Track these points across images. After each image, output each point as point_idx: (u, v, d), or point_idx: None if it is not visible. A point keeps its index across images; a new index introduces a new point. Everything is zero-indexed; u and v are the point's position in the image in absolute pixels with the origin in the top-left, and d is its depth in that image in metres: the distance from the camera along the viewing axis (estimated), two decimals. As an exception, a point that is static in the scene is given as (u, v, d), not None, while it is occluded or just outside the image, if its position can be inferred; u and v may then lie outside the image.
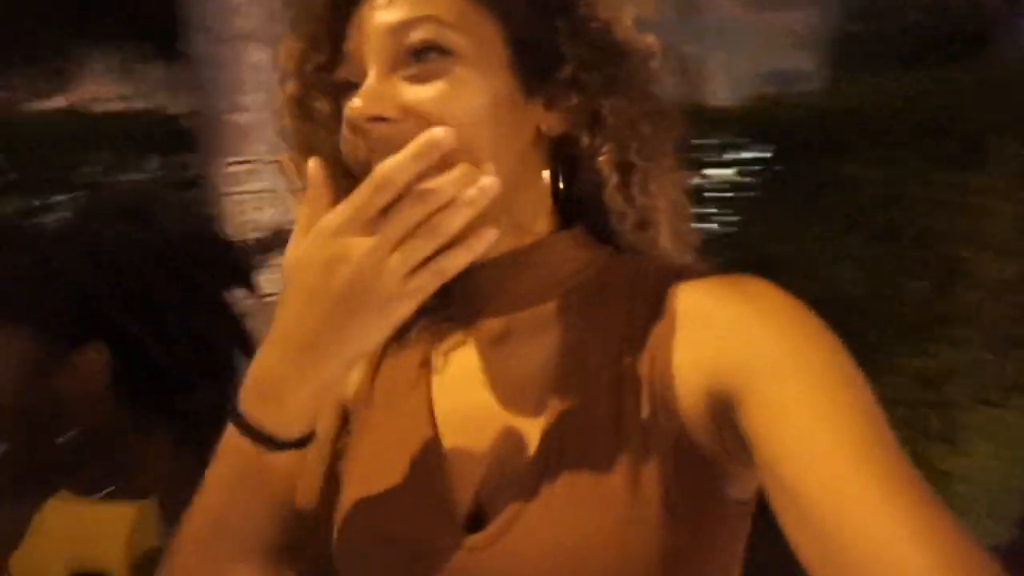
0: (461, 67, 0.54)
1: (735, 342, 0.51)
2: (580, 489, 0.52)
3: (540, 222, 0.60)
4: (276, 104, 0.63)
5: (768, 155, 3.19)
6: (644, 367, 0.54)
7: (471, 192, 0.47)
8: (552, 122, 0.59)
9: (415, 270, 0.47)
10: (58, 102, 4.15)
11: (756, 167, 3.23)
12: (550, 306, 0.59)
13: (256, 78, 2.10)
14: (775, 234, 2.96)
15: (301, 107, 0.61)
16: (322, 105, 0.60)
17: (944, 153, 2.75)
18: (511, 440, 0.56)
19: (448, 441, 0.59)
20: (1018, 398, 2.79)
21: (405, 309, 0.48)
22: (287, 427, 0.53)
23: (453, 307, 0.63)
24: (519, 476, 0.54)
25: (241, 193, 2.09)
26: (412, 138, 0.49)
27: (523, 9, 0.57)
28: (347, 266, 0.47)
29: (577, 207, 0.63)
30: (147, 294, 0.88)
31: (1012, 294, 2.73)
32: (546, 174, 0.61)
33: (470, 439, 0.58)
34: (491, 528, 0.54)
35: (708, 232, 3.48)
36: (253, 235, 2.05)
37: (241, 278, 0.99)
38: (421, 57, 0.54)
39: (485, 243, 0.49)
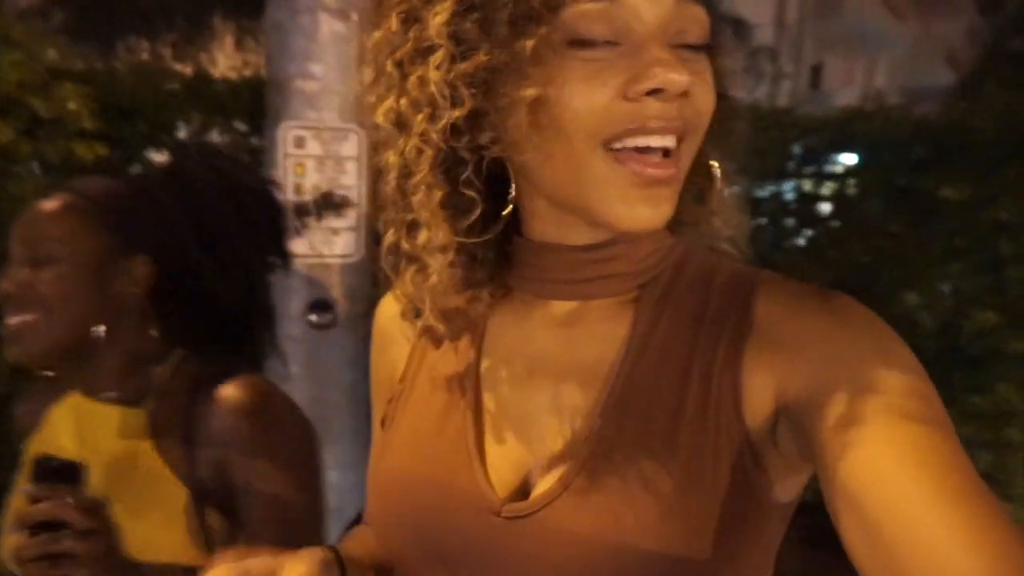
0: (708, 63, 0.54)
1: (812, 351, 0.50)
2: (630, 478, 0.52)
3: None
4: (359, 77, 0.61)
5: (849, 167, 3.00)
6: (714, 368, 0.53)
7: None
8: None
9: None
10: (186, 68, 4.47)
11: (834, 180, 3.05)
12: (625, 296, 0.58)
13: (327, 48, 2.19)
14: (846, 250, 2.79)
15: (491, 78, 0.51)
16: (531, 72, 0.51)
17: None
18: (566, 419, 0.56)
19: (494, 411, 0.59)
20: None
21: None
22: None
23: (514, 279, 0.62)
24: (569, 454, 0.54)
25: (300, 156, 2.18)
26: (688, 119, 0.52)
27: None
28: None
29: None
30: (215, 229, 1.02)
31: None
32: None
33: (521, 413, 0.58)
34: (532, 500, 0.54)
35: (794, 245, 3.33)
36: (301, 197, 2.14)
37: (282, 243, 1.11)
38: (693, 49, 0.53)
39: None
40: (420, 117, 0.53)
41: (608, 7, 0.49)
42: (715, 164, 0.59)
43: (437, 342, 0.64)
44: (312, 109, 2.20)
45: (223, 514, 0.94)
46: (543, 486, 0.54)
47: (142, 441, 0.94)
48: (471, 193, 0.55)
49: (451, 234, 0.56)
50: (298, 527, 0.95)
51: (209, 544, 0.92)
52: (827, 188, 3.17)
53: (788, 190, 3.32)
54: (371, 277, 2.42)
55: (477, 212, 0.55)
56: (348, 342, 2.28)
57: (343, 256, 2.25)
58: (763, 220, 3.27)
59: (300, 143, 2.21)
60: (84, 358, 0.96)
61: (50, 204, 0.96)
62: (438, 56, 0.51)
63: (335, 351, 2.25)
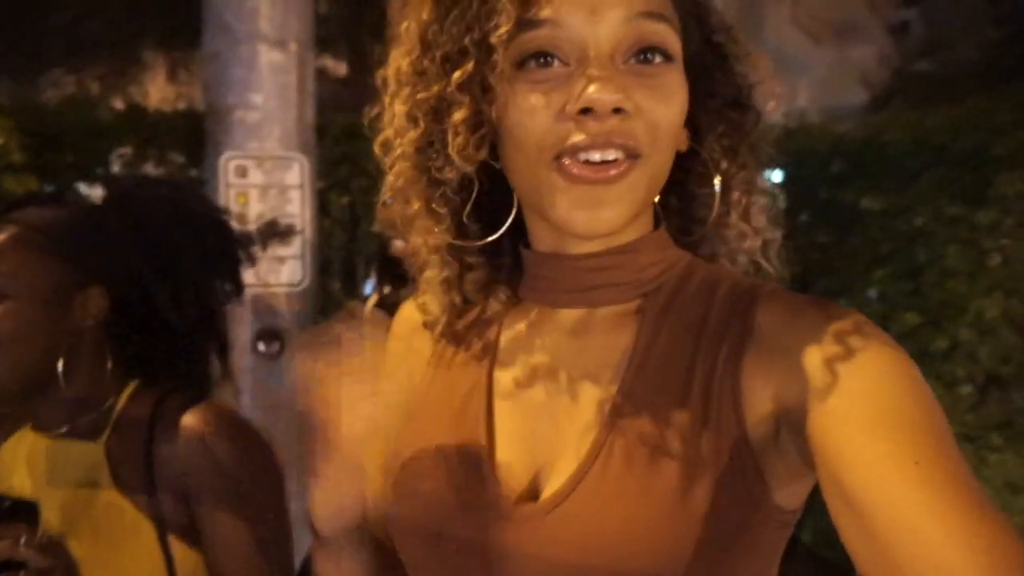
0: (677, 75, 0.55)
1: (810, 358, 0.50)
2: (634, 479, 0.53)
3: (643, 222, 0.61)
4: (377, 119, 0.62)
5: (778, 181, 3.15)
6: (715, 375, 0.54)
7: None
8: (684, 139, 0.61)
9: None
10: (117, 100, 4.38)
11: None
12: (631, 305, 0.60)
13: (267, 77, 2.19)
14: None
15: (437, 108, 0.57)
16: (465, 101, 0.55)
17: (956, 188, 2.67)
18: (573, 423, 0.57)
19: (505, 417, 0.61)
20: (996, 437, 2.68)
21: None
22: None
23: (525, 290, 0.64)
24: (575, 458, 0.55)
25: (242, 186, 2.17)
26: (638, 138, 0.52)
27: (696, 34, 0.58)
28: None
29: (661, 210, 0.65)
30: (169, 256, 1.01)
31: (998, 334, 2.62)
32: None
33: (530, 418, 0.60)
34: (541, 502, 0.55)
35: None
36: (245, 227, 2.13)
37: (235, 271, 1.11)
38: (647, 56, 0.53)
39: None
40: (398, 141, 0.60)
41: (551, 31, 0.52)
42: (716, 179, 0.61)
43: (455, 342, 0.67)
44: (253, 139, 2.20)
45: (187, 543, 0.93)
46: (551, 489, 0.55)
47: (100, 475, 0.92)
48: (441, 210, 0.61)
49: (448, 236, 0.62)
50: (265, 553, 0.95)
51: (174, 574, 0.92)
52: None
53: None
54: (318, 304, 2.41)
55: (448, 223, 0.62)
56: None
57: (289, 285, 2.24)
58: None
59: (242, 173, 2.20)
60: (38, 393, 0.94)
61: None
62: (405, 92, 0.58)
63: (284, 379, 2.23)
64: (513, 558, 0.55)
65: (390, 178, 0.62)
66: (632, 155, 0.53)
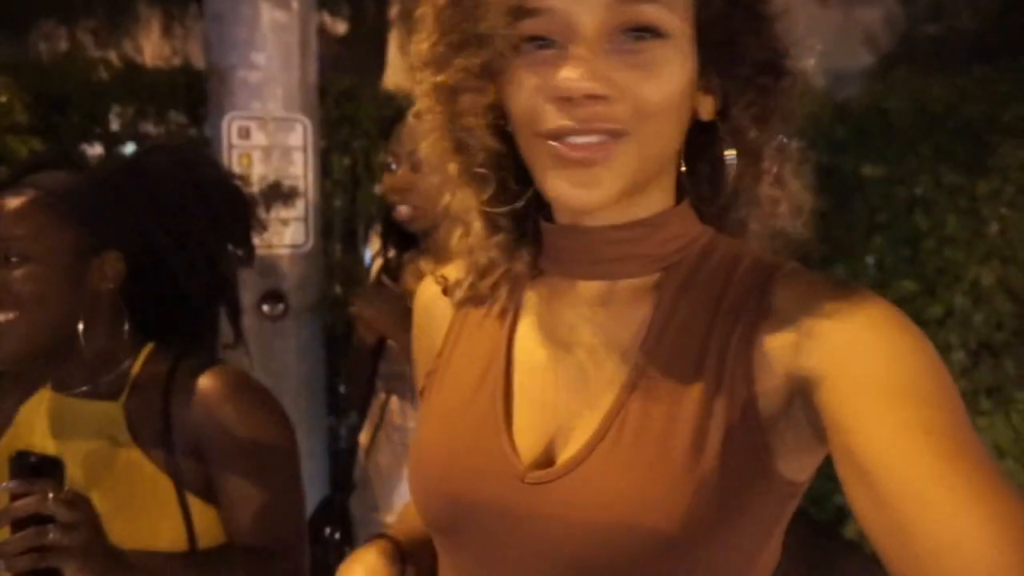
0: (671, 52, 0.55)
1: (825, 335, 0.51)
2: (645, 447, 0.54)
3: (662, 196, 0.61)
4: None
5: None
6: (729, 350, 0.56)
7: None
8: (708, 108, 0.60)
9: None
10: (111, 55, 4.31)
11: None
12: (650, 279, 0.61)
13: (269, 37, 2.17)
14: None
15: (454, 89, 0.60)
16: (474, 85, 0.59)
17: (957, 157, 2.67)
18: (590, 392, 0.59)
19: (524, 385, 0.63)
20: (986, 401, 2.73)
21: None
22: None
23: (545, 262, 0.66)
24: (591, 426, 0.57)
25: (245, 147, 2.16)
26: (620, 120, 0.53)
27: (720, 4, 0.57)
28: None
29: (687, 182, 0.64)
30: (183, 222, 1.02)
31: (993, 301, 2.65)
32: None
33: (549, 386, 0.61)
34: (555, 467, 0.57)
35: None
36: (248, 188, 2.13)
37: (247, 236, 1.13)
38: (638, 36, 0.53)
39: None
40: (427, 116, 0.63)
41: (544, 18, 0.54)
42: (729, 152, 0.60)
43: (477, 303, 0.69)
44: (256, 99, 2.19)
45: (204, 500, 0.96)
46: (566, 454, 0.57)
47: (120, 434, 0.95)
48: (475, 176, 0.63)
49: (475, 202, 0.65)
50: (278, 511, 0.98)
51: (192, 530, 0.95)
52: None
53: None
54: (322, 266, 2.42)
55: (491, 188, 0.63)
56: (301, 332, 2.28)
57: (293, 246, 2.25)
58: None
59: (245, 134, 2.20)
60: (58, 355, 0.96)
61: (16, 201, 0.94)
62: (426, 74, 0.61)
63: (288, 341, 2.26)
64: (528, 521, 0.57)
65: (424, 147, 0.65)
66: (615, 135, 0.54)
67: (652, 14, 0.53)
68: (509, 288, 0.67)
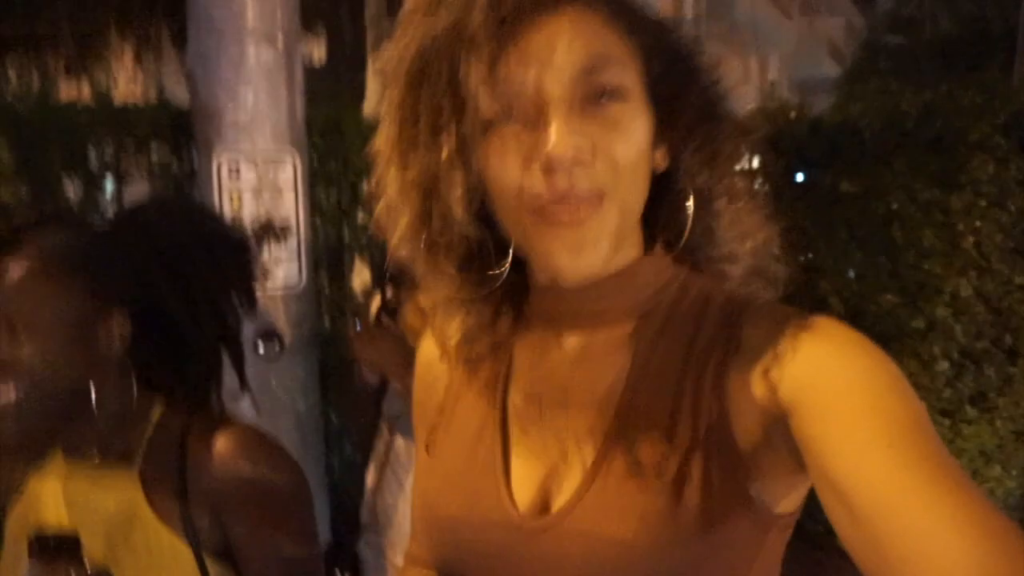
0: (632, 111, 0.57)
1: (792, 361, 0.54)
2: (629, 492, 0.57)
3: (632, 248, 0.64)
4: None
5: (754, 167, 3.21)
6: (703, 392, 0.58)
7: None
8: (660, 160, 0.63)
9: None
10: (81, 88, 4.26)
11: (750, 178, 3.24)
12: (627, 327, 0.63)
13: (256, 75, 2.17)
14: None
15: (429, 183, 0.59)
16: (447, 175, 0.58)
17: (930, 171, 2.74)
18: (575, 441, 0.62)
19: (518, 436, 0.65)
20: (971, 410, 2.80)
21: None
22: None
23: (536, 317, 0.68)
24: (578, 475, 0.60)
25: (235, 187, 2.15)
26: (602, 181, 0.55)
27: (657, 55, 0.60)
28: None
29: (655, 229, 0.66)
30: (187, 277, 1.01)
31: (972, 311, 2.73)
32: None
33: (540, 438, 0.64)
34: (552, 514, 0.59)
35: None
36: (245, 229, 2.12)
37: (251, 287, 1.12)
38: (601, 99, 0.56)
39: None
40: (394, 215, 0.63)
41: (511, 96, 0.55)
42: (690, 200, 0.63)
43: (466, 374, 0.72)
44: (245, 138, 2.18)
45: (221, 561, 0.96)
46: (559, 502, 0.60)
47: (137, 502, 0.94)
48: (445, 269, 0.64)
49: (453, 288, 0.66)
50: (296, 563, 0.98)
51: (213, 594, 0.94)
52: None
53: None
54: (314, 302, 2.41)
55: (450, 277, 0.65)
56: (297, 371, 2.27)
57: (286, 288, 2.24)
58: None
59: (235, 174, 2.19)
60: (69, 420, 0.95)
61: (19, 270, 0.91)
62: (392, 171, 0.61)
63: (285, 380, 2.24)
64: (528, 567, 0.60)
65: (395, 244, 0.65)
66: (599, 196, 0.56)
67: (614, 79, 0.56)
68: (498, 348, 0.70)
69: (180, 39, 5.51)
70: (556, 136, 0.54)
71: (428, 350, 0.78)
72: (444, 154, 0.57)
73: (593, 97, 0.56)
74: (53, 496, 0.98)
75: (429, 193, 0.59)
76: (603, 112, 0.56)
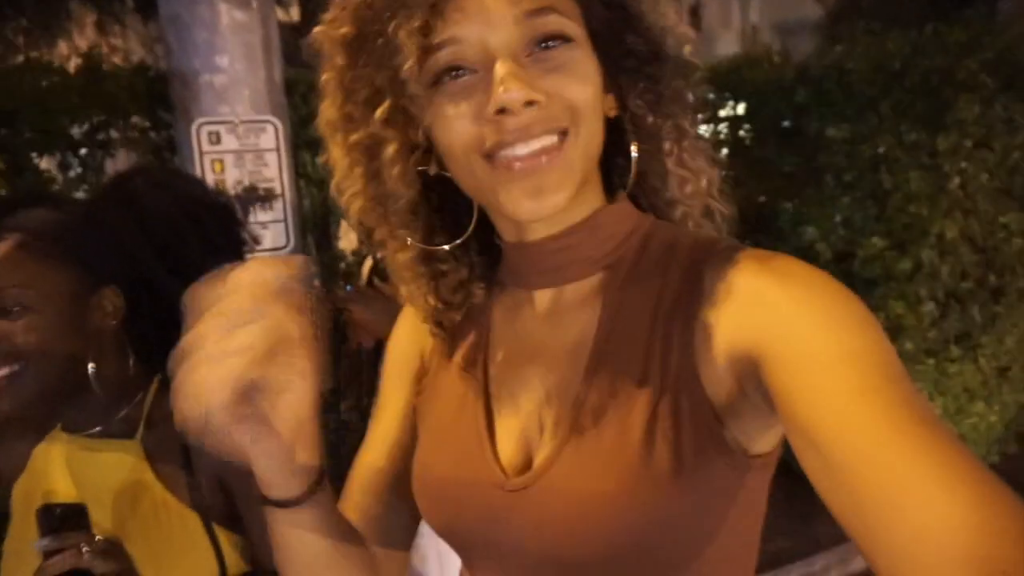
0: (580, 53, 0.58)
1: (757, 307, 0.53)
2: (604, 444, 0.57)
3: (593, 197, 0.64)
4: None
5: (739, 113, 3.18)
6: (672, 340, 0.58)
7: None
8: (609, 107, 0.64)
9: None
10: (44, 55, 4.13)
11: (730, 125, 3.23)
12: (594, 280, 0.64)
13: (230, 39, 2.11)
14: (745, 191, 2.98)
15: (370, 146, 0.62)
16: (393, 135, 0.61)
17: (916, 113, 2.74)
18: (552, 398, 0.63)
19: (502, 398, 0.66)
20: (956, 349, 2.85)
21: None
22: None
23: (503, 274, 0.70)
24: (559, 427, 0.60)
25: (216, 153, 2.12)
26: (561, 119, 0.56)
27: (598, 5, 0.61)
28: None
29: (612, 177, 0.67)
30: (176, 248, 1.01)
31: (958, 252, 2.76)
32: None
33: (521, 397, 0.65)
34: (530, 473, 0.60)
35: None
36: (228, 194, 2.09)
37: (240, 255, 1.12)
38: (547, 45, 0.57)
39: None
40: (346, 183, 0.65)
41: (453, 49, 0.56)
42: (634, 146, 0.65)
43: (447, 339, 0.72)
44: (223, 103, 2.14)
45: (229, 529, 0.97)
46: (540, 457, 0.61)
47: (143, 473, 0.95)
48: (403, 230, 0.66)
49: (412, 254, 0.67)
50: None
51: (223, 561, 0.96)
52: (721, 134, 3.36)
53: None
54: (304, 267, 2.39)
55: (413, 239, 0.67)
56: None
57: (274, 249, 2.22)
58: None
59: (215, 139, 2.15)
60: (68, 397, 0.95)
61: (5, 249, 0.91)
62: (338, 137, 0.63)
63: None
64: (512, 524, 0.61)
65: (352, 215, 0.67)
66: (561, 133, 0.57)
67: (557, 23, 0.57)
68: (476, 313, 0.71)
69: (143, 4, 5.35)
70: (505, 79, 0.54)
71: (408, 320, 0.78)
72: (382, 114, 0.59)
73: (538, 43, 0.57)
74: (58, 469, 0.99)
75: (373, 154, 0.61)
76: (552, 56, 0.57)
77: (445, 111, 0.57)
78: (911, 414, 0.45)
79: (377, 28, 0.57)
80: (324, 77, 0.62)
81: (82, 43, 5.63)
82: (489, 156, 0.57)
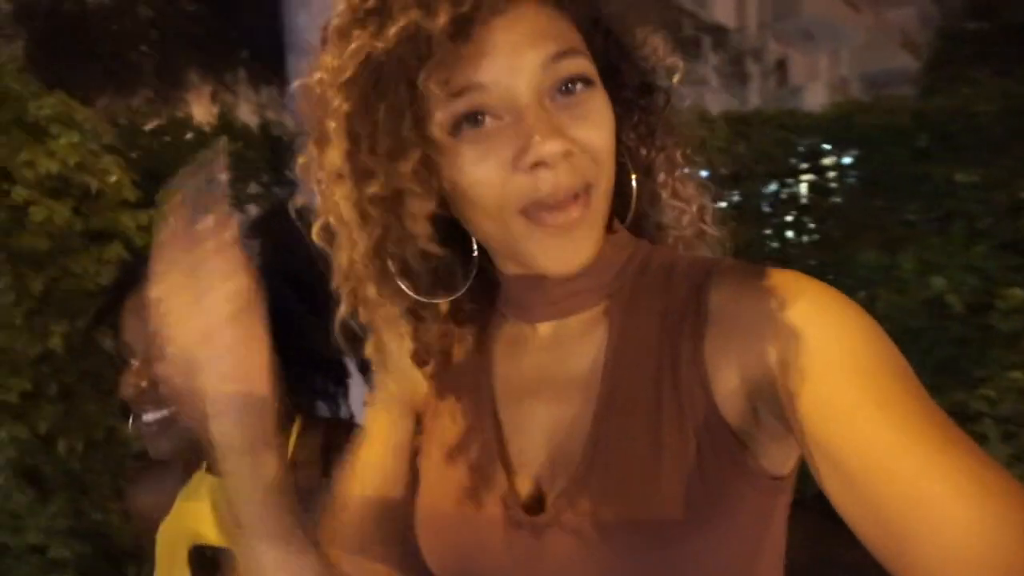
0: (600, 95, 0.57)
1: (765, 330, 0.52)
2: (621, 478, 0.56)
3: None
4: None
5: (851, 161, 3.09)
6: (681, 364, 0.57)
7: None
8: None
9: None
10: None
11: (839, 173, 3.13)
12: (596, 310, 0.63)
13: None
14: (860, 242, 2.86)
15: (389, 198, 0.56)
16: (419, 188, 0.56)
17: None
18: (564, 432, 0.61)
19: (509, 434, 0.64)
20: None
21: None
22: None
23: (503, 306, 0.67)
24: (571, 464, 0.59)
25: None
26: (587, 171, 0.55)
27: (597, 38, 0.61)
28: None
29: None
30: (311, 285, 0.98)
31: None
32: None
33: (529, 432, 0.63)
34: (549, 511, 0.58)
35: (789, 240, 3.39)
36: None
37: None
38: (568, 88, 0.56)
39: None
40: (347, 233, 0.59)
41: (479, 95, 0.53)
42: (633, 177, 0.64)
43: (450, 377, 0.69)
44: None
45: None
46: (555, 493, 0.59)
47: None
48: (401, 285, 0.61)
49: (410, 300, 0.62)
50: None
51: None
52: (832, 183, 3.26)
53: (793, 187, 3.40)
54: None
55: (406, 296, 0.62)
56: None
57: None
58: (775, 219, 3.36)
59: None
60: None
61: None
62: (346, 187, 0.56)
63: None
64: (536, 565, 0.58)
65: (341, 264, 0.61)
66: (588, 188, 0.56)
67: (580, 67, 0.56)
68: (474, 347, 0.68)
69: (255, 79, 5.73)
70: (541, 131, 0.53)
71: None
72: (409, 166, 0.54)
73: (562, 87, 0.55)
74: (205, 511, 0.98)
75: (392, 208, 0.56)
76: (577, 102, 0.55)
77: (470, 160, 0.54)
78: (931, 425, 0.45)
79: (395, 74, 0.53)
80: (325, 123, 0.56)
81: (198, 111, 6.06)
82: (524, 211, 0.55)
